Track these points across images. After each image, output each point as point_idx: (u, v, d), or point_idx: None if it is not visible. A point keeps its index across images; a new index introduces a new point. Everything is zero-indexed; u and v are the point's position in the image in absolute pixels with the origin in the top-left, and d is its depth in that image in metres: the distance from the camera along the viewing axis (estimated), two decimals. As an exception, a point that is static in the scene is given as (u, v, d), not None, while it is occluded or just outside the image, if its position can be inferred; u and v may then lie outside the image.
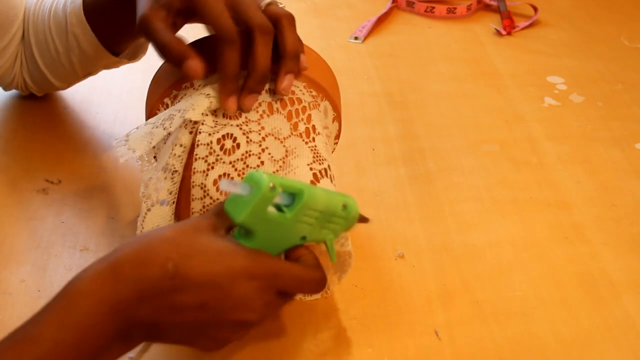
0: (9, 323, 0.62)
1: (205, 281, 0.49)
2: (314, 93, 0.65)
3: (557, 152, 0.86)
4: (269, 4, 0.62)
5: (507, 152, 0.86)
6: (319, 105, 0.65)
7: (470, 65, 1.03)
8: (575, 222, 0.77)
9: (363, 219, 0.59)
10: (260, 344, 0.62)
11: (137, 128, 0.61)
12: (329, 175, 0.62)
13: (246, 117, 0.61)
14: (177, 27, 0.62)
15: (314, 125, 0.63)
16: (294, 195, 0.54)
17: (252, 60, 0.60)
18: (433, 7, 1.15)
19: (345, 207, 0.56)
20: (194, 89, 0.63)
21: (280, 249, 0.55)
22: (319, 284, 0.54)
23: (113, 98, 0.88)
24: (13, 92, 0.86)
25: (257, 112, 0.62)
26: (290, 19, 0.62)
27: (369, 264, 0.70)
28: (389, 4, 1.16)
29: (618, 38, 1.12)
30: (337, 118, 0.69)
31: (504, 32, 1.11)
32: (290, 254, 0.55)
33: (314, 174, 0.60)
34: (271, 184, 0.51)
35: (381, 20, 1.12)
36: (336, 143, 0.72)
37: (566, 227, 0.76)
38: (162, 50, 0.59)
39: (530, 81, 1.00)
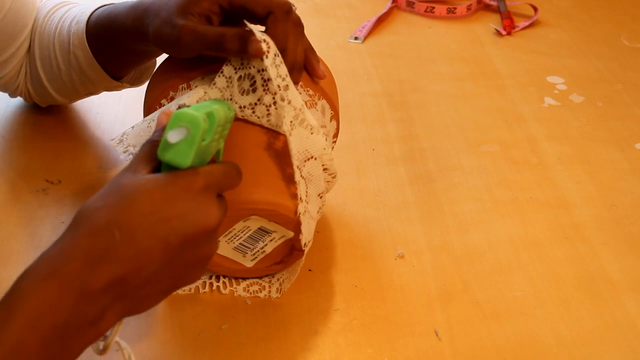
0: (8, 323, 0.62)
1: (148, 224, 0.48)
2: (310, 92, 0.65)
3: (557, 152, 0.86)
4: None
5: (507, 152, 0.86)
6: (316, 104, 0.65)
7: (470, 65, 1.03)
8: (575, 222, 0.77)
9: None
10: (260, 344, 0.62)
11: (132, 127, 0.62)
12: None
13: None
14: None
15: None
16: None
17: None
18: (433, 7, 1.15)
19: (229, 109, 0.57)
20: (190, 89, 0.63)
21: None
22: (237, 176, 0.55)
23: (113, 98, 0.87)
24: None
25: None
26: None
27: (369, 264, 0.70)
28: (389, 4, 1.16)
29: (618, 38, 1.11)
30: (335, 116, 0.69)
31: (504, 32, 1.10)
32: None
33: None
34: (203, 117, 0.50)
35: (381, 20, 1.12)
36: (334, 141, 0.72)
37: (566, 227, 0.76)
38: (220, 44, 0.59)
39: (530, 81, 1.00)
